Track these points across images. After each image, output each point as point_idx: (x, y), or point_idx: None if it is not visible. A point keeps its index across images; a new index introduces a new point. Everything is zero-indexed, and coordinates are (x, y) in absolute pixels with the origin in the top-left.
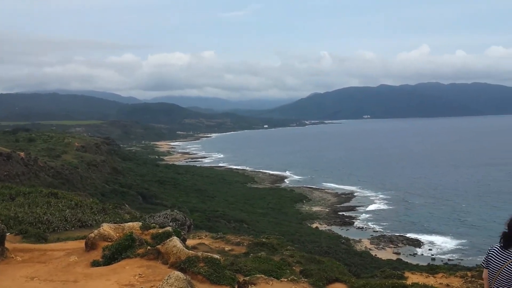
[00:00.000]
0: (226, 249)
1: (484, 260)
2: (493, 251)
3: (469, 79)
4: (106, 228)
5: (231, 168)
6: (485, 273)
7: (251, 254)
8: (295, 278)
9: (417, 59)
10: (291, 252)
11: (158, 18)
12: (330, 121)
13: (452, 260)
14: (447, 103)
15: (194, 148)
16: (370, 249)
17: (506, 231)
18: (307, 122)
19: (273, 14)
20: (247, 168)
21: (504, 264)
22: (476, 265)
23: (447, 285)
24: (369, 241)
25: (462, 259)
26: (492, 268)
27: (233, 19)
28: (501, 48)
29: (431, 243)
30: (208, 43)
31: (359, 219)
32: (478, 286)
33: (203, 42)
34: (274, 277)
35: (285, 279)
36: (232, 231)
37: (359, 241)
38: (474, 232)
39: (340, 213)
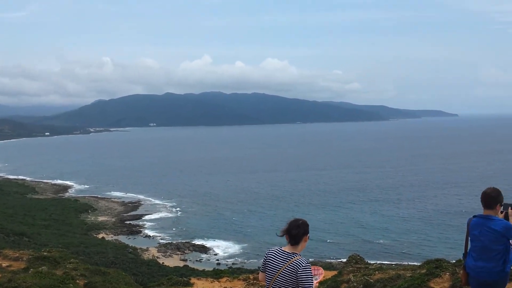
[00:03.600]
0: (4, 265)
1: (262, 264)
2: (271, 254)
3: (249, 89)
4: None
5: (8, 178)
6: (261, 276)
7: (31, 269)
8: None
9: (200, 68)
10: (74, 264)
11: None
12: (115, 129)
13: (236, 264)
14: (230, 112)
15: None
16: (157, 257)
17: (280, 235)
18: (91, 130)
19: (52, 17)
20: (27, 178)
21: (283, 265)
22: (258, 267)
23: None
24: (157, 249)
25: (245, 262)
26: (271, 270)
27: (8, 20)
28: (276, 61)
29: (216, 248)
30: None
31: (146, 228)
32: (259, 287)
33: None
34: None
35: None
36: (11, 245)
37: (147, 249)
38: (253, 236)
39: (127, 222)
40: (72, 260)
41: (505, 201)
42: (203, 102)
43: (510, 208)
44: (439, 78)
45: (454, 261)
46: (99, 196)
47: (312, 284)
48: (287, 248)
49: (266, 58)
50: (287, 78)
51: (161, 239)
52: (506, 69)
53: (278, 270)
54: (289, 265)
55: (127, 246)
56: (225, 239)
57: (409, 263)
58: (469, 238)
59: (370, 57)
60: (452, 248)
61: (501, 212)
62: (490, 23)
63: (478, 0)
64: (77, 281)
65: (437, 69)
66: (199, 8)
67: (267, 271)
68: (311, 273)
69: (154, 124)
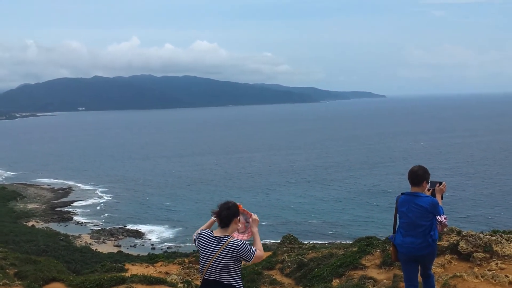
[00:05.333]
0: None
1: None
2: (202, 238)
3: (179, 72)
4: None
5: None
6: None
7: None
8: (8, 282)
9: (128, 51)
10: (4, 254)
11: None
12: (43, 114)
13: (171, 248)
14: (160, 95)
15: None
16: (90, 243)
17: (214, 217)
18: (17, 115)
19: None
20: None
21: (218, 249)
22: (193, 250)
23: (166, 272)
24: (89, 235)
25: (180, 246)
26: (205, 255)
27: None
28: (205, 43)
29: (150, 233)
30: None
31: (78, 214)
32: (195, 271)
33: None
34: None
35: None
36: None
37: (79, 236)
38: (187, 221)
39: (58, 209)
40: (1, 249)
41: (432, 179)
42: (133, 85)
43: (437, 185)
44: (367, 60)
45: (384, 238)
46: (27, 183)
47: (254, 252)
48: (218, 232)
49: (195, 40)
50: (217, 61)
51: (94, 225)
52: (429, 51)
53: (213, 255)
54: (224, 248)
55: (58, 233)
56: (158, 224)
57: (342, 241)
58: (398, 215)
59: (298, 39)
60: (382, 226)
61: (428, 190)
62: (414, 5)
63: None
64: (7, 270)
65: (364, 51)
66: None
67: (201, 255)
68: (248, 246)
69: (83, 108)
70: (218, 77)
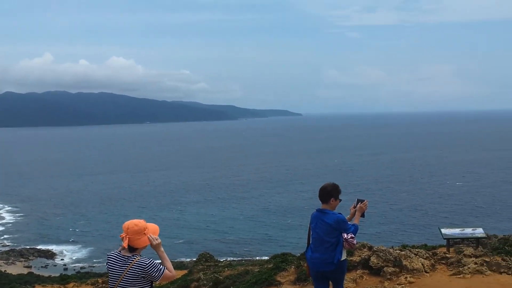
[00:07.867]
0: None
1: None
2: (111, 258)
3: (95, 89)
4: None
5: None
6: None
7: None
8: None
9: (41, 67)
10: None
11: None
12: None
13: (84, 268)
14: (75, 112)
15: None
16: None
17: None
18: None
19: None
20: None
21: (125, 269)
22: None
23: None
24: None
25: (94, 266)
26: (113, 275)
27: None
28: (121, 59)
29: (63, 253)
30: None
31: None
32: None
33: None
34: None
35: None
36: None
37: None
38: (101, 240)
39: None
40: None
41: (359, 197)
42: (46, 101)
43: (360, 203)
44: (285, 79)
45: (299, 255)
46: None
47: (162, 271)
48: (126, 251)
49: (111, 56)
50: (134, 77)
51: (2, 246)
52: (344, 71)
53: (121, 275)
54: (130, 268)
55: None
56: (71, 244)
57: (259, 258)
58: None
59: (217, 58)
60: (295, 243)
61: (354, 207)
62: (329, 27)
63: (318, 4)
64: None
65: (283, 71)
66: (36, 4)
67: (109, 275)
68: (157, 264)
69: None
70: (135, 94)
